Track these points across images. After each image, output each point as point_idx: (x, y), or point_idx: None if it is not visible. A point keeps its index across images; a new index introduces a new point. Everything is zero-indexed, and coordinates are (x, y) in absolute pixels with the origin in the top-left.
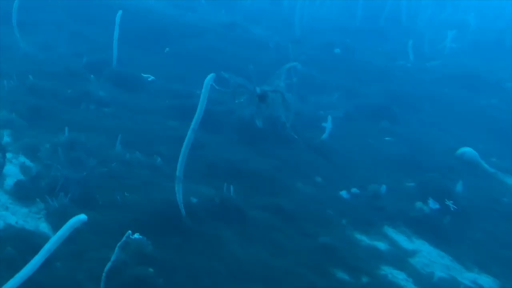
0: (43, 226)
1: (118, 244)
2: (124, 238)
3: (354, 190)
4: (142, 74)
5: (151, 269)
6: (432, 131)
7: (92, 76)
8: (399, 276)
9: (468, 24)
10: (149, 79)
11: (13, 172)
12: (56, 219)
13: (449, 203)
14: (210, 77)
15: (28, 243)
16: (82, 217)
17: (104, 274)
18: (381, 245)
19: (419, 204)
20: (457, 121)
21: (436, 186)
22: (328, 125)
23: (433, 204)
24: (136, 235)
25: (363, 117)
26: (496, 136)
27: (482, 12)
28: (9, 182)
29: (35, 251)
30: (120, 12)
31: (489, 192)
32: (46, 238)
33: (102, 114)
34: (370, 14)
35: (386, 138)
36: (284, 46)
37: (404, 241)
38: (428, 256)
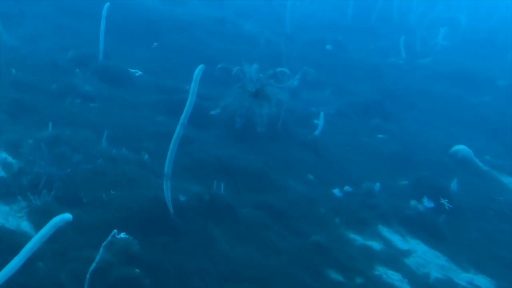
0: (25, 225)
1: (103, 244)
2: (109, 238)
3: (347, 188)
4: (129, 69)
5: (137, 270)
6: (425, 128)
7: (77, 70)
8: (394, 276)
9: (459, 22)
10: (137, 74)
11: None
12: (39, 218)
13: (444, 201)
14: (199, 68)
15: (8, 242)
16: (67, 216)
17: (88, 275)
18: (375, 245)
19: (413, 202)
20: (450, 119)
21: (430, 184)
22: (320, 121)
23: (427, 203)
24: (122, 234)
25: (355, 114)
26: (489, 134)
27: (473, 10)
28: None
29: (16, 251)
30: (107, 4)
31: (484, 190)
32: (27, 238)
33: (88, 109)
34: (361, 11)
35: (379, 136)
36: (274, 42)
37: (398, 240)
38: (424, 256)
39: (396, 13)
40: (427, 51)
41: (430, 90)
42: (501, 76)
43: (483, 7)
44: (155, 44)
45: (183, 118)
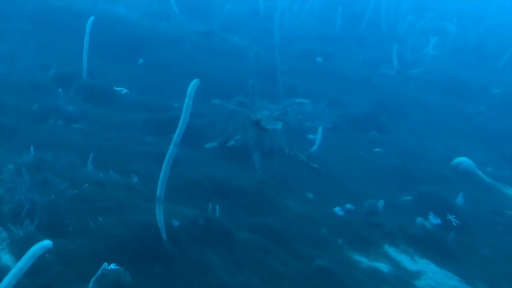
0: (6, 259)
1: (93, 279)
2: (99, 272)
3: (348, 206)
4: (114, 87)
5: None
6: (422, 140)
7: (60, 89)
8: None
9: (448, 31)
10: (122, 92)
11: None
12: (21, 250)
13: (451, 217)
14: (193, 83)
15: None
16: (46, 243)
17: None
18: (383, 266)
19: (419, 219)
20: (447, 130)
21: (435, 199)
22: (318, 136)
23: (434, 219)
24: (112, 266)
25: (350, 127)
26: (488, 144)
27: (461, 18)
28: None
29: None
30: (91, 18)
31: (490, 204)
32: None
33: (72, 130)
34: (349, 22)
35: (376, 149)
36: (264, 56)
37: (407, 261)
38: (434, 277)
39: (384, 23)
40: (417, 61)
41: (424, 101)
42: (494, 84)
43: (471, 16)
44: (141, 60)
45: (176, 136)
